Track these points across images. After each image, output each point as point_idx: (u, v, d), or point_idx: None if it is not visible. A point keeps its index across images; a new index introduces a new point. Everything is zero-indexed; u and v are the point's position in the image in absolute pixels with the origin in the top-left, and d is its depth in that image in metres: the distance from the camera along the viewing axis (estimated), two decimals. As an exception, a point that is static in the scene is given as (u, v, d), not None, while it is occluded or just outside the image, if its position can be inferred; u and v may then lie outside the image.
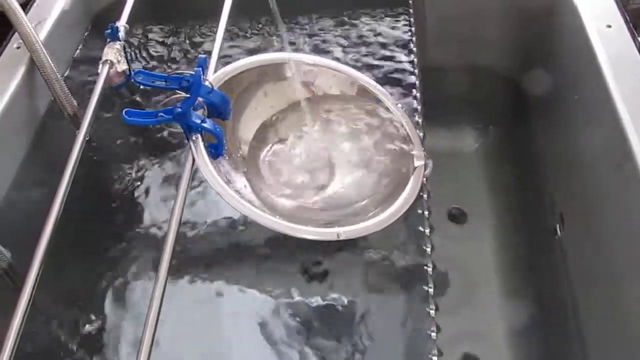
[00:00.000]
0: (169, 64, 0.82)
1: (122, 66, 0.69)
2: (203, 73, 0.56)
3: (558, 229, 0.80)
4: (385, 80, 0.73)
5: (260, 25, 0.86)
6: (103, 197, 0.69)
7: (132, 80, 0.64)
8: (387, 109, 0.66)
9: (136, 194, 0.67)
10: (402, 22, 0.83)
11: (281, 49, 0.79)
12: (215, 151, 0.58)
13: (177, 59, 0.83)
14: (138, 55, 0.83)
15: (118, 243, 0.63)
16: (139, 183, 0.68)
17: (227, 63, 0.66)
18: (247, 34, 0.85)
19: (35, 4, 0.80)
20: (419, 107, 0.70)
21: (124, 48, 0.70)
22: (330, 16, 0.85)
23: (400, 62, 0.77)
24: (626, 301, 0.60)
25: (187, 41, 0.85)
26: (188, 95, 0.55)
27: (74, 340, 0.58)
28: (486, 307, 0.84)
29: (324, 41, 0.81)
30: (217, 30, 0.66)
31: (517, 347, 0.80)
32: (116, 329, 0.58)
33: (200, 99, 0.57)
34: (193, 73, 0.55)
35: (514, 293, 0.84)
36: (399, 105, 0.67)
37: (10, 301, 0.46)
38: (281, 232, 0.54)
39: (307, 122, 0.66)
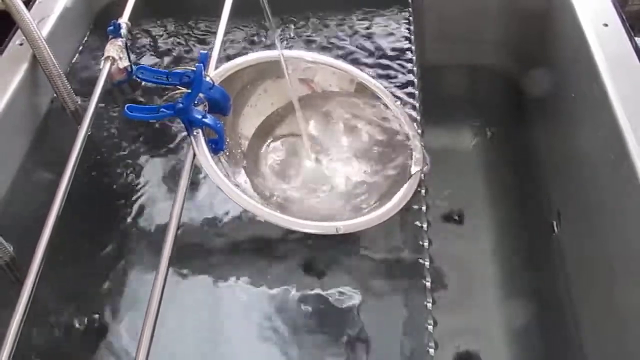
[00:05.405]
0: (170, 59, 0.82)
1: (124, 62, 0.70)
2: (204, 69, 0.57)
3: (555, 227, 0.81)
4: (384, 77, 0.74)
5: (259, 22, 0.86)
6: (103, 191, 0.69)
7: (134, 76, 0.64)
8: (386, 106, 0.67)
9: (137, 188, 0.68)
10: (402, 21, 0.84)
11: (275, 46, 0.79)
12: (215, 146, 0.58)
13: (179, 54, 0.83)
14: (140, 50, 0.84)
15: (119, 237, 0.64)
16: (139, 177, 0.69)
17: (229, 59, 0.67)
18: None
19: (38, 1, 0.81)
20: (417, 105, 0.70)
21: (126, 44, 0.70)
22: (329, 14, 0.86)
23: (399, 60, 0.77)
24: (623, 298, 0.61)
25: (189, 37, 0.86)
26: (189, 91, 0.55)
27: (73, 335, 0.58)
28: (484, 305, 0.84)
29: (322, 39, 0.82)
30: (218, 26, 0.67)
31: (516, 343, 0.80)
32: (116, 324, 0.58)
33: (201, 94, 0.57)
34: (194, 69, 0.56)
35: (511, 290, 0.85)
36: (398, 102, 0.68)
37: (14, 294, 0.46)
38: (281, 226, 0.55)
39: (307, 119, 0.67)
